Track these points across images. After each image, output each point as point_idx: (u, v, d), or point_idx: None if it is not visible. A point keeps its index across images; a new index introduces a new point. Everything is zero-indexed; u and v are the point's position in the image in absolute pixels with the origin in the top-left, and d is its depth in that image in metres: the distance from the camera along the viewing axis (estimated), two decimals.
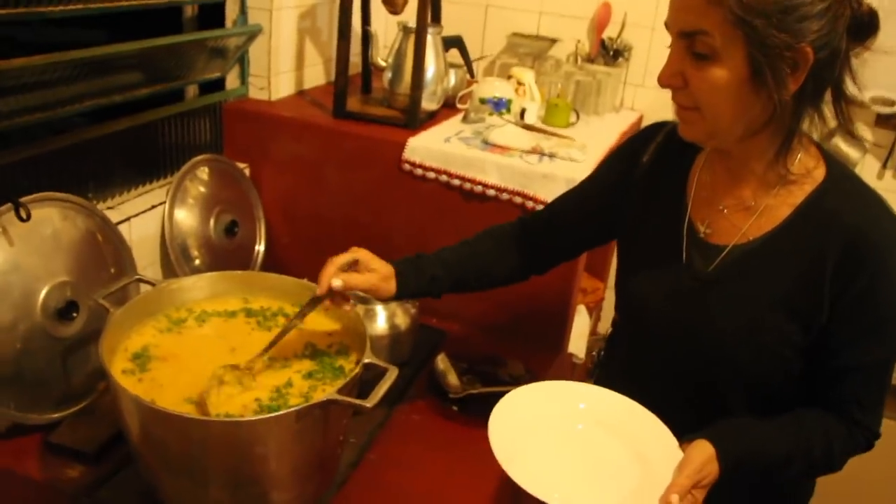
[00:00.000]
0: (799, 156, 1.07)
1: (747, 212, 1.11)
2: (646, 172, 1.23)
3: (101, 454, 1.28)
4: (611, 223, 1.29)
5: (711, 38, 0.95)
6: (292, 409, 1.04)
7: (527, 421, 1.14)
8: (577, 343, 1.83)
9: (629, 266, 1.26)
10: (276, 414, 1.05)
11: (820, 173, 1.08)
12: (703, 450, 1.03)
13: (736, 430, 1.07)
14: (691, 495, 1.00)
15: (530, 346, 1.75)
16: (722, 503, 1.05)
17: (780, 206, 1.09)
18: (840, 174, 1.08)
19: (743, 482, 1.07)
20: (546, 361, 1.74)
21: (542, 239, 1.36)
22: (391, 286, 1.25)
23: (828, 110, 1.03)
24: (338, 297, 1.19)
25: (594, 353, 1.44)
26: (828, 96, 1.02)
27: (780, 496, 1.25)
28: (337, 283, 1.15)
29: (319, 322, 1.31)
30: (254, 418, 1.05)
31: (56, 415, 1.33)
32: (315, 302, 1.19)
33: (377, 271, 1.23)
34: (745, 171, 1.11)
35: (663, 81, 1.04)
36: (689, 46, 0.98)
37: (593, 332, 2.37)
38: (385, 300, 1.29)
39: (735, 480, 1.05)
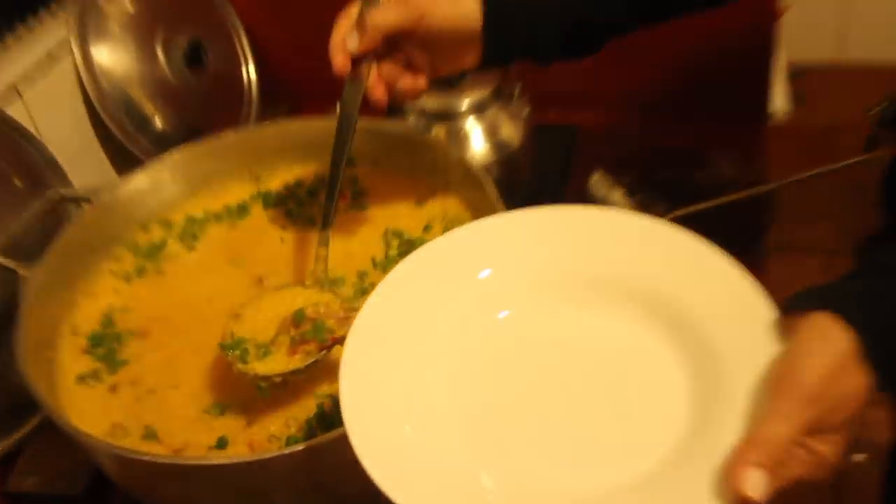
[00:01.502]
0: None
1: None
2: None
3: (92, 491, 0.87)
4: None
5: None
6: None
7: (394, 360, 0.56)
8: (777, 95, 1.36)
9: None
10: None
11: None
12: (825, 344, 0.46)
13: None
14: (805, 450, 0.45)
15: (713, 123, 1.23)
16: None
17: None
18: None
19: None
20: (748, 140, 1.25)
21: None
22: (460, 4, 0.69)
23: None
24: (379, 80, 0.71)
25: (873, 111, 0.88)
26: None
27: None
28: (352, 43, 0.70)
29: (391, 188, 0.86)
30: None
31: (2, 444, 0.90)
32: (348, 113, 0.73)
33: None
34: None
35: None
36: None
37: None
38: (458, 59, 0.72)
39: None
